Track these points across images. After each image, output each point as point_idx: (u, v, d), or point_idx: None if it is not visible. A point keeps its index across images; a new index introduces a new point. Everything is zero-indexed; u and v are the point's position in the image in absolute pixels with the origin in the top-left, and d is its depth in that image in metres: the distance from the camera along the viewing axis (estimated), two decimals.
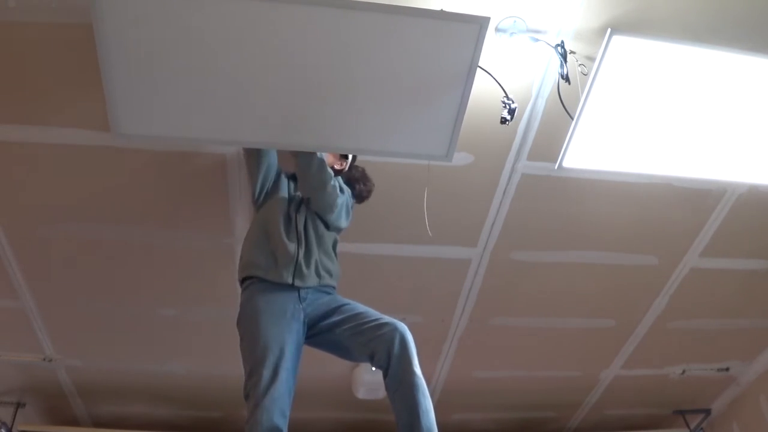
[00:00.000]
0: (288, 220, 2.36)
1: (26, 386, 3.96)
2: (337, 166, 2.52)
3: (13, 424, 3.97)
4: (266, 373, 1.99)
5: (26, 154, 2.55)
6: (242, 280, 2.33)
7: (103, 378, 3.88)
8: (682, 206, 2.99)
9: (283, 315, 2.15)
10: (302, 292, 2.24)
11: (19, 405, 4.04)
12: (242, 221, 2.88)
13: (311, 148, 2.22)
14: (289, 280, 2.22)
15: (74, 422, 4.27)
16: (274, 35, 1.85)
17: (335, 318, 2.21)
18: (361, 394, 3.85)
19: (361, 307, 2.24)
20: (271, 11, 1.80)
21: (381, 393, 3.87)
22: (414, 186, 2.68)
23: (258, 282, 2.26)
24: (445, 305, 3.45)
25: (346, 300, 2.30)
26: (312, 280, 2.27)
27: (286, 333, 2.11)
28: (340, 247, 2.93)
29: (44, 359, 3.65)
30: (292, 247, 2.27)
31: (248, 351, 2.11)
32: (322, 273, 2.32)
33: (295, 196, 2.46)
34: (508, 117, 2.18)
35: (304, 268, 2.26)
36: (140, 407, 4.22)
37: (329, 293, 2.34)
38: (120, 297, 3.25)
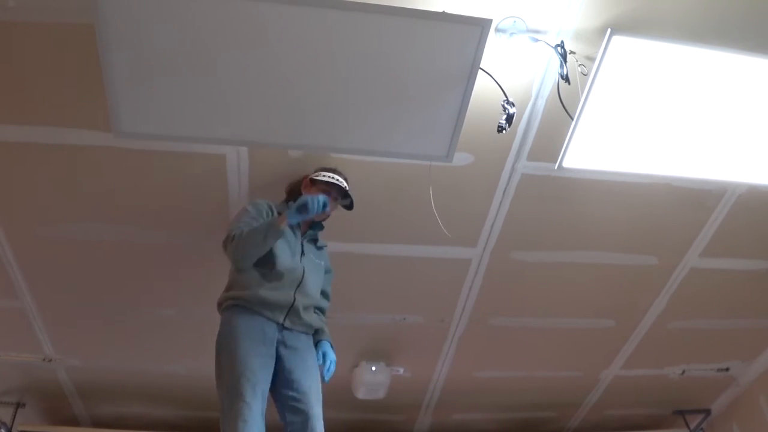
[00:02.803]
0: (290, 263, 2.36)
1: (26, 386, 3.96)
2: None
3: (13, 424, 3.97)
4: (246, 393, 2.05)
5: (26, 154, 2.55)
6: (224, 302, 2.34)
7: (103, 378, 3.88)
8: (682, 206, 2.99)
9: (262, 340, 2.21)
10: (286, 325, 2.28)
11: (19, 405, 4.05)
12: None
13: (312, 148, 2.23)
14: (280, 320, 2.27)
15: (74, 422, 4.27)
16: (276, 36, 1.86)
17: (284, 379, 2.23)
18: (361, 394, 3.85)
19: (306, 389, 2.23)
20: (273, 12, 1.80)
21: (381, 393, 3.88)
22: (414, 186, 2.68)
23: (243, 305, 2.27)
24: (445, 305, 3.45)
25: (305, 365, 2.28)
26: (302, 326, 2.33)
27: (263, 356, 2.17)
28: (341, 247, 2.95)
29: (44, 359, 3.65)
30: (289, 292, 2.31)
31: (226, 371, 2.16)
32: (314, 318, 2.40)
33: (297, 239, 2.46)
34: (506, 125, 2.18)
35: (300, 312, 2.31)
36: (140, 407, 4.22)
37: (308, 334, 2.38)
38: (120, 297, 3.24)
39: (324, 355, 2.39)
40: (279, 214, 2.40)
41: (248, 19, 1.82)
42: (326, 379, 2.38)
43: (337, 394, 4.08)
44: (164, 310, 3.34)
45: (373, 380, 3.77)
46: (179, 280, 3.15)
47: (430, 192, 2.50)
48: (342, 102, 2.04)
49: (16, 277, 3.08)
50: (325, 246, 2.63)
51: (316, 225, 2.57)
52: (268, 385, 2.15)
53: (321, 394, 2.29)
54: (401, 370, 3.89)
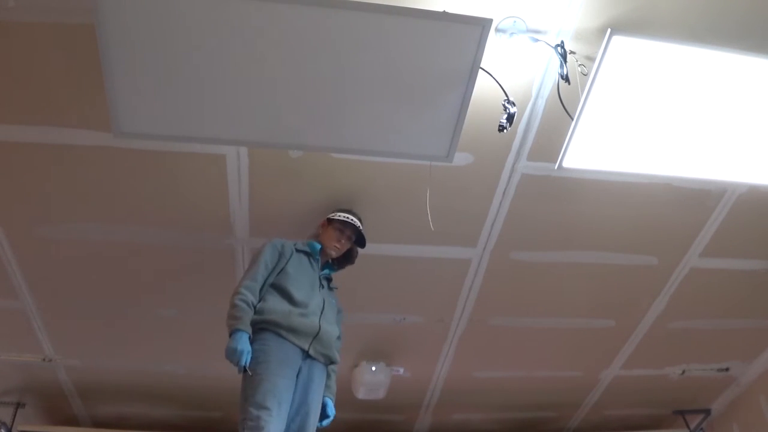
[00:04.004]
0: (311, 293, 2.50)
1: (26, 386, 3.96)
2: (333, 253, 2.69)
3: (13, 424, 3.97)
4: (273, 408, 2.14)
5: (26, 154, 2.55)
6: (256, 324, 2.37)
7: (102, 378, 3.88)
8: (682, 206, 2.99)
9: (288, 364, 2.31)
10: (310, 353, 2.39)
11: (19, 405, 4.05)
12: (242, 222, 2.88)
13: (312, 148, 2.23)
14: (305, 347, 2.37)
15: (74, 422, 4.28)
16: (276, 36, 1.86)
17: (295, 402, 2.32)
18: (361, 394, 3.85)
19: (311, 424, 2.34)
20: (271, 12, 1.80)
21: (381, 393, 3.88)
22: (414, 186, 2.68)
23: (274, 330, 2.34)
24: (445, 305, 3.45)
25: (315, 398, 2.38)
26: (323, 355, 2.44)
27: (289, 379, 2.28)
28: None
29: (44, 359, 3.65)
30: (315, 320, 2.42)
31: (256, 387, 2.20)
32: (333, 346, 2.49)
33: (315, 272, 2.60)
34: (507, 124, 2.19)
35: (324, 341, 2.43)
36: (140, 407, 4.22)
37: (325, 365, 2.49)
38: (120, 297, 3.24)
39: (325, 407, 2.50)
40: (303, 252, 2.59)
41: (247, 18, 1.82)
42: (322, 423, 2.50)
43: (337, 394, 4.08)
44: (164, 310, 3.34)
45: (373, 380, 3.78)
46: (179, 280, 3.15)
47: (427, 191, 2.49)
48: (342, 102, 2.04)
49: (16, 277, 3.08)
50: (336, 288, 2.76)
51: (332, 266, 2.74)
52: (289, 405, 2.24)
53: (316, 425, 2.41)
54: (401, 370, 3.89)
